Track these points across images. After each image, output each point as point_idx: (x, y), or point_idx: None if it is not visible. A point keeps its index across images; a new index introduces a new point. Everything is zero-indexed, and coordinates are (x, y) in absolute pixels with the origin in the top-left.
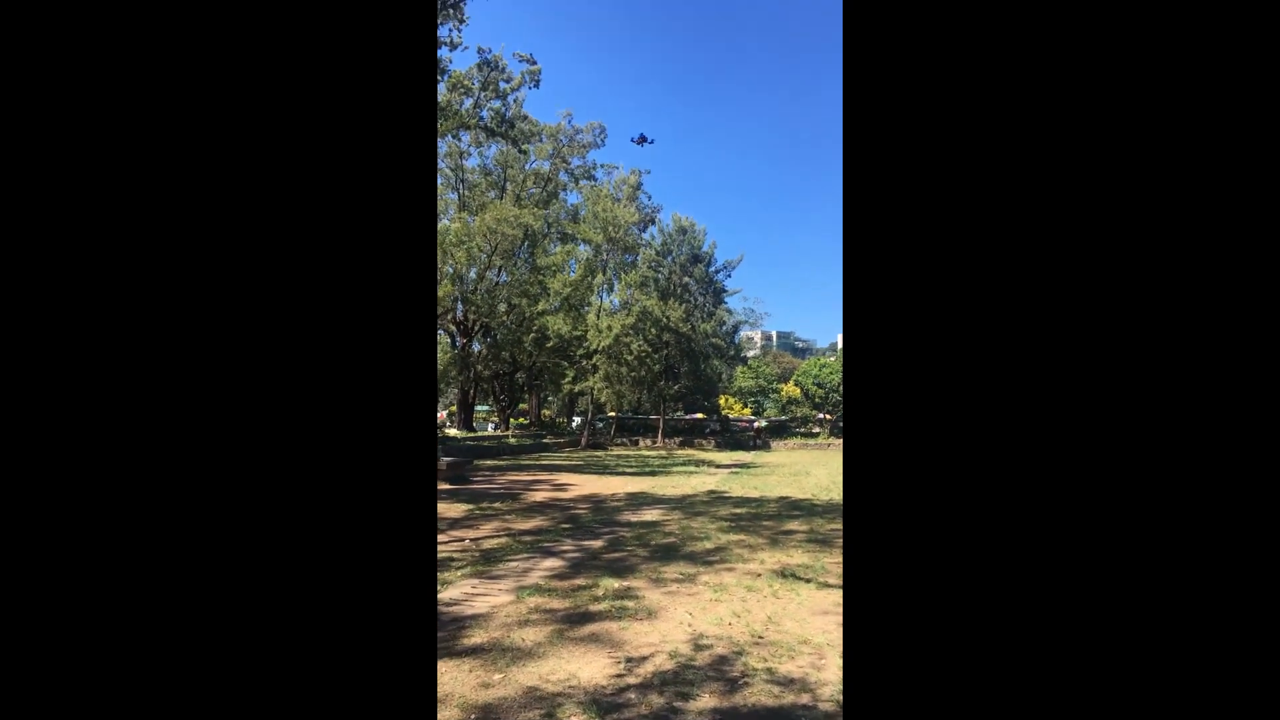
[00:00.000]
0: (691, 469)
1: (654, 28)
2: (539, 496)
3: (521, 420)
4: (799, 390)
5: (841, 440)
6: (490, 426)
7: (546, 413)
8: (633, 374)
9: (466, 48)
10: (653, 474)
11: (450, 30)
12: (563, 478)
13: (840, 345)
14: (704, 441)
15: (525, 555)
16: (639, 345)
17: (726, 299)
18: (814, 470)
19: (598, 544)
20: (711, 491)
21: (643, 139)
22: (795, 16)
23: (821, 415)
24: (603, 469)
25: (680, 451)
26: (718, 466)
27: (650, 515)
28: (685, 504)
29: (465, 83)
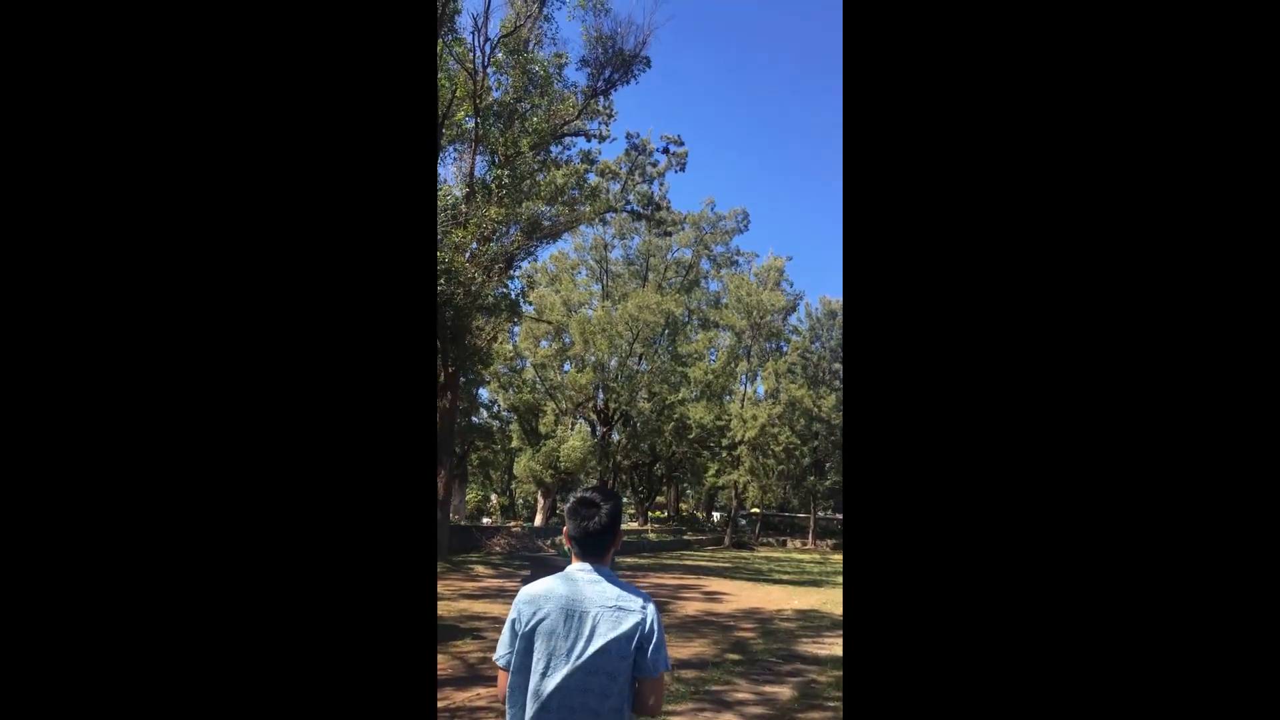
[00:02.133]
0: None
1: (800, 109)
2: (691, 609)
3: (659, 514)
4: None
5: None
6: (626, 518)
7: (684, 506)
8: (780, 467)
9: (614, 139)
10: (816, 584)
11: (599, 125)
12: (713, 583)
13: None
14: None
15: (691, 706)
16: (787, 436)
17: None
18: None
19: (786, 693)
20: None
21: (668, 150)
22: None
23: None
24: (755, 575)
25: (836, 556)
26: None
27: (839, 647)
28: None
29: (614, 169)
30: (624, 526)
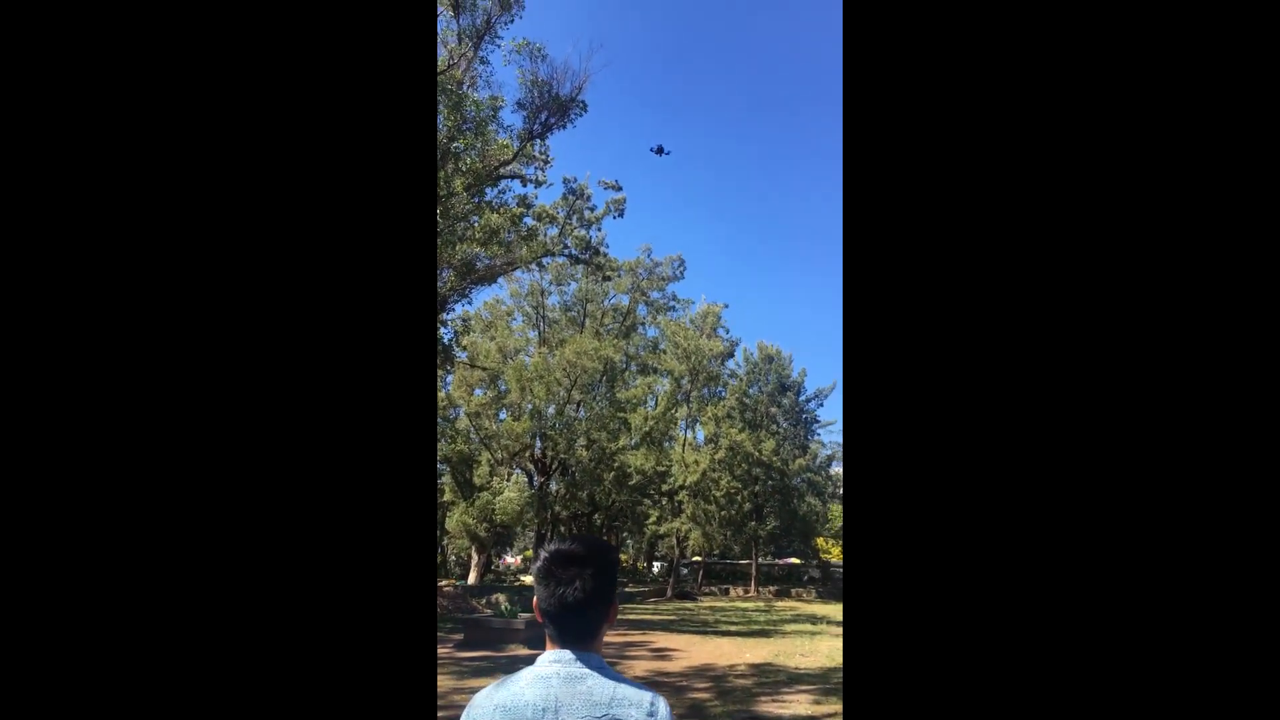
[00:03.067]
0: (809, 627)
1: (735, 151)
2: (639, 669)
3: None
4: None
5: None
6: None
7: (625, 557)
8: (722, 513)
9: (551, 184)
10: (765, 634)
11: (535, 170)
12: (659, 639)
13: None
14: (802, 590)
15: None
16: (728, 481)
17: (820, 430)
18: None
19: None
20: None
21: (660, 149)
22: None
23: None
24: (702, 627)
25: (780, 604)
26: (837, 624)
27: (801, 705)
28: (837, 685)
29: (551, 213)
30: None
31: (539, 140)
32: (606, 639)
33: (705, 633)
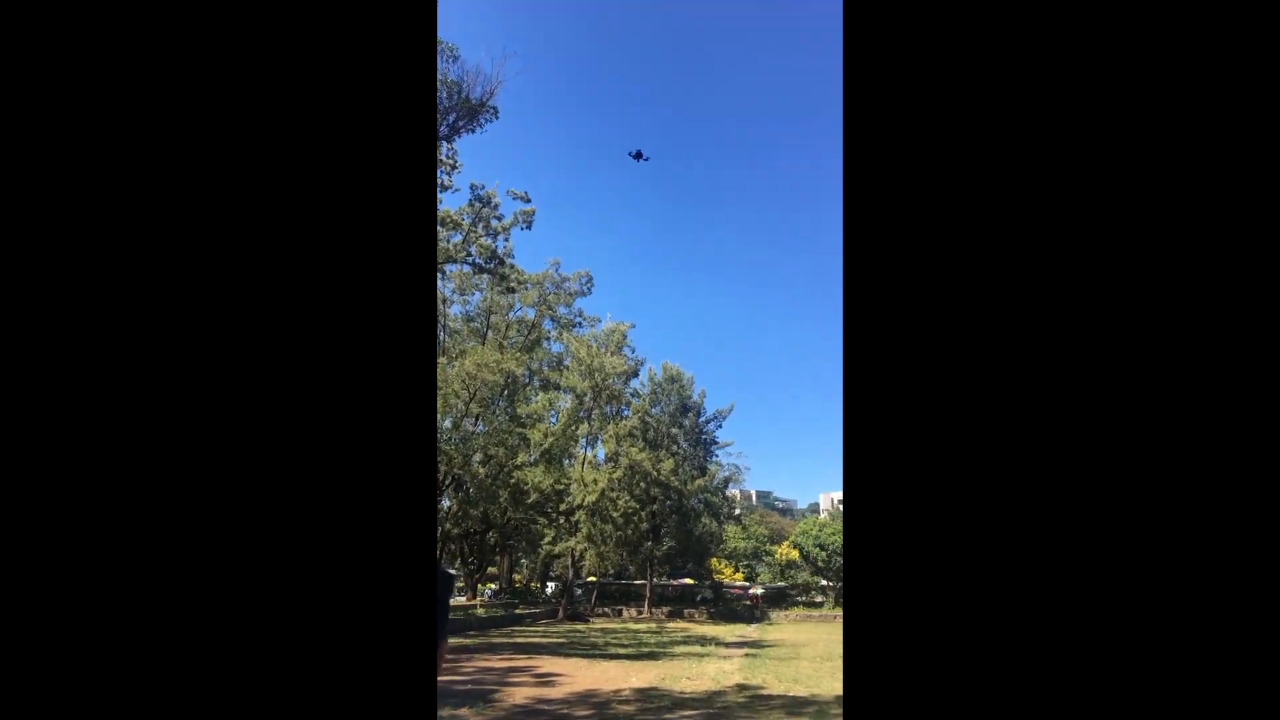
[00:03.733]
0: (697, 649)
1: (645, 172)
2: (519, 696)
3: (490, 585)
4: (797, 553)
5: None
6: (455, 592)
7: (518, 577)
8: (618, 533)
9: (458, 189)
10: (653, 657)
11: (443, 174)
12: (545, 663)
13: (824, 506)
14: (694, 611)
15: None
16: (625, 501)
17: (718, 452)
18: (840, 650)
19: None
20: (742, 686)
21: (639, 154)
22: (797, 166)
23: (824, 583)
24: (591, 649)
25: (671, 625)
26: (725, 645)
27: None
28: (720, 709)
29: (455, 219)
30: (453, 602)
31: (445, 143)
32: (490, 664)
33: (593, 656)
